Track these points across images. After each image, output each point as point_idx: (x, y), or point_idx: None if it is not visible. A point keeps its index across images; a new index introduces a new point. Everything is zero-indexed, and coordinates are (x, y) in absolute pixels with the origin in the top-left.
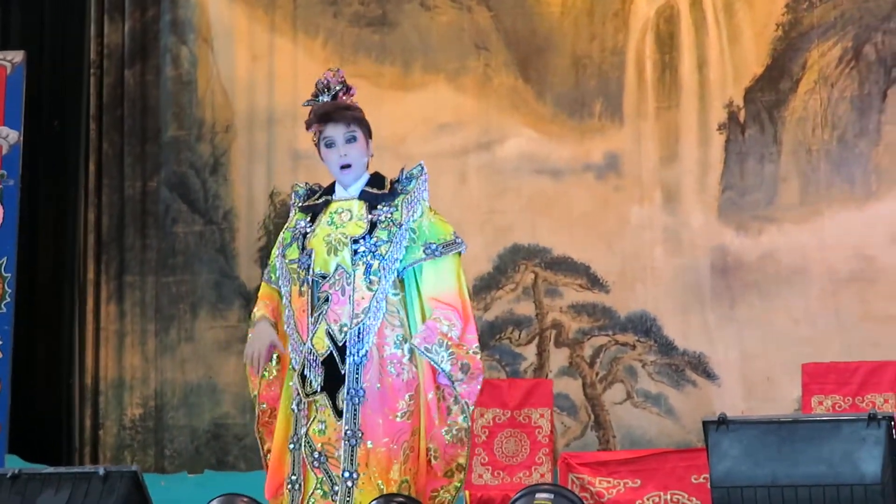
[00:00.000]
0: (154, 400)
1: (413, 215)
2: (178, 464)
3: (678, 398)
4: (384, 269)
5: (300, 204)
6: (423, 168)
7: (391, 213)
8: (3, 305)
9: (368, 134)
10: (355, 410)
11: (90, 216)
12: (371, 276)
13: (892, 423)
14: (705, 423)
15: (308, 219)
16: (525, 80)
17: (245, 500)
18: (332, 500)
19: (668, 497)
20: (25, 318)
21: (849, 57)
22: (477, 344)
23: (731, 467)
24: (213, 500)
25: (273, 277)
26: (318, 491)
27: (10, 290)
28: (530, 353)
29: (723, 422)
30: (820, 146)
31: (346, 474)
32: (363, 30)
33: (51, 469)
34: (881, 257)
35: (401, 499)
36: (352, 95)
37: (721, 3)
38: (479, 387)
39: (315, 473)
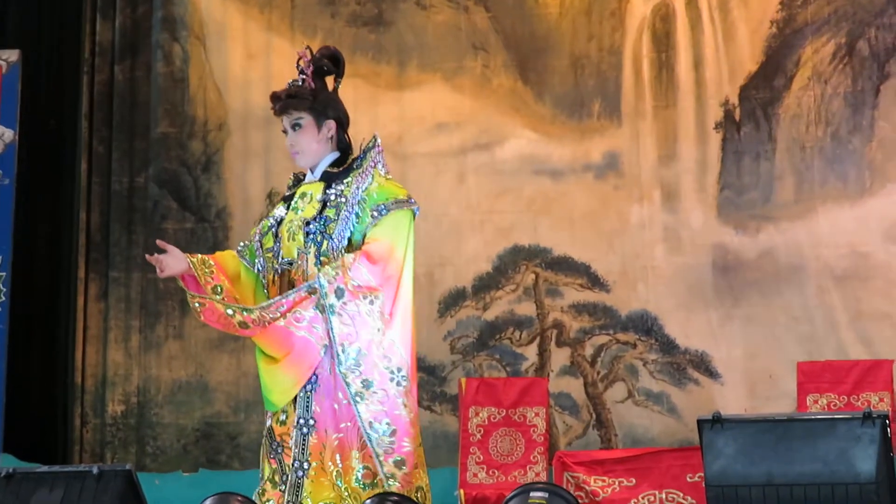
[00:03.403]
0: (136, 397)
1: (363, 185)
2: (161, 461)
3: (680, 396)
4: (333, 248)
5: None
6: (375, 139)
7: (342, 190)
8: None
9: (324, 115)
10: (308, 398)
11: (82, 215)
12: (321, 257)
13: (887, 421)
14: (700, 422)
15: (285, 207)
16: (524, 82)
17: (240, 499)
18: (280, 491)
19: (664, 496)
20: (21, 317)
21: (842, 53)
22: (369, 282)
23: (725, 466)
24: (206, 498)
25: (246, 254)
26: (269, 482)
27: (4, 290)
28: (531, 353)
29: (717, 420)
30: (814, 143)
31: (297, 464)
32: (360, 29)
33: (45, 468)
34: (875, 254)
35: (395, 497)
36: (310, 73)
37: (716, 0)
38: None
39: (270, 464)
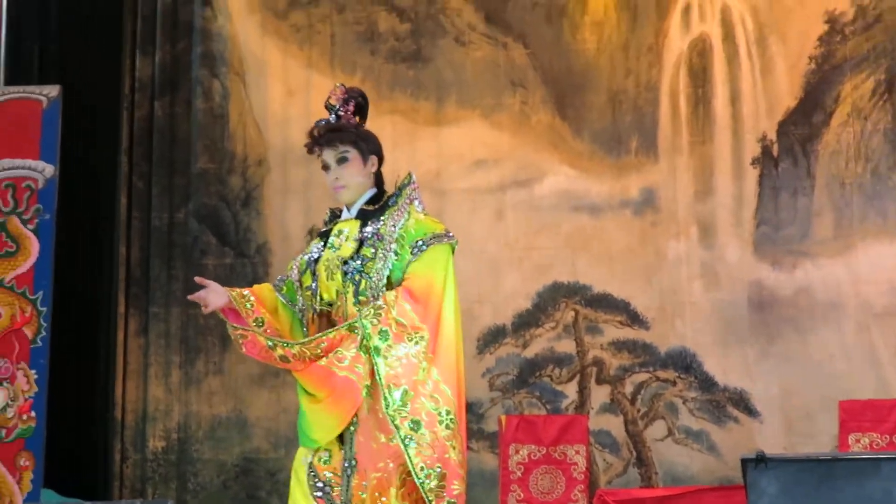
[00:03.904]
0: (177, 433)
1: (399, 222)
2: (201, 498)
3: (720, 434)
4: (372, 287)
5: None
6: (410, 176)
7: (378, 228)
8: (38, 340)
9: (368, 150)
10: (351, 439)
11: (122, 250)
12: (360, 297)
13: None
14: (743, 461)
15: (322, 244)
16: (562, 118)
17: None
18: None
19: None
20: (61, 352)
21: (882, 89)
22: (413, 320)
23: None
24: None
25: (283, 289)
26: None
27: (45, 325)
28: (571, 390)
29: (761, 459)
30: (853, 179)
31: None
32: (398, 66)
33: None
34: None
35: None
36: (349, 110)
37: (754, 36)
38: (405, 362)
39: (318, 502)
